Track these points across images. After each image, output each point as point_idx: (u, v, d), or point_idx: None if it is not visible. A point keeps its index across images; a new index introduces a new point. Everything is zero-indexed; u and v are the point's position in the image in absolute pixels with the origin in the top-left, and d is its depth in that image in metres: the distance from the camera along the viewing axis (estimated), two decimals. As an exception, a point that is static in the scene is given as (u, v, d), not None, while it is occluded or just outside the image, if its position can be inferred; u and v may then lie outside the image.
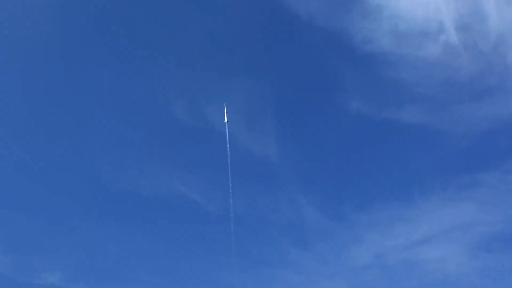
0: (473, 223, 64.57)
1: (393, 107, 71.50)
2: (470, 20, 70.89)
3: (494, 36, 69.91)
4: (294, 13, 72.33)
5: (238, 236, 61.52)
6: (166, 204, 66.79)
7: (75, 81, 70.28)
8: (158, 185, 67.23)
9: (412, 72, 71.41)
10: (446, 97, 71.20)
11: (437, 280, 60.96)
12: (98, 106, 70.32)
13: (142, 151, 69.31)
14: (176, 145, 70.35)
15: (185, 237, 65.01)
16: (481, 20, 70.57)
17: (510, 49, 69.32)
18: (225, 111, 61.40)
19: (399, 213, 66.09)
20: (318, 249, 64.06)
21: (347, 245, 64.20)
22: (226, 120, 61.74)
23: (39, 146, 68.11)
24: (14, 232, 61.50)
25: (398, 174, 70.11)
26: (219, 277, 60.64)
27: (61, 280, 58.87)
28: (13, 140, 67.27)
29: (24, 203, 64.25)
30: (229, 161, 63.84)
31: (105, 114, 70.19)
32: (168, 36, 73.55)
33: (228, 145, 64.34)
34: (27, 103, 69.47)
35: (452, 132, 70.07)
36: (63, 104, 70.16)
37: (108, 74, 71.15)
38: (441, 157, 69.95)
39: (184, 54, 73.04)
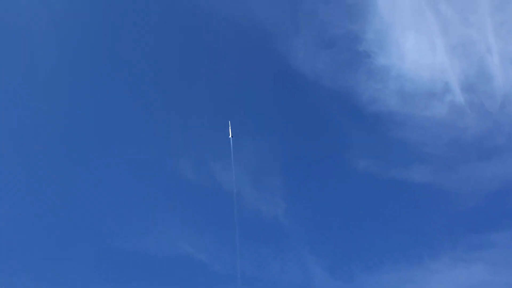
0: (484, 284, 63.20)
1: (401, 167, 71.15)
2: (475, 81, 71.75)
3: (500, 97, 70.46)
4: (300, 73, 73.57)
5: (245, 297, 60.69)
6: (172, 264, 66.15)
7: (80, 140, 71.15)
8: (164, 244, 66.73)
9: (419, 131, 71.88)
10: (454, 157, 71.05)
11: None
12: (103, 164, 70.61)
13: (147, 210, 68.90)
14: (182, 204, 69.87)
15: (191, 297, 64.05)
16: (487, 81, 71.26)
17: (516, 109, 69.64)
18: (230, 127, 63.17)
19: (409, 274, 64.89)
20: (327, 312, 62.80)
21: (357, 308, 62.91)
22: (230, 135, 63.11)
23: (42, 205, 68.02)
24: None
25: (406, 234, 69.05)
26: None
27: None
28: (16, 199, 67.44)
29: (27, 265, 63.80)
30: (236, 220, 63.86)
31: (110, 172, 70.41)
32: (174, 93, 74.64)
33: (235, 204, 64.54)
34: (33, 161, 70.02)
35: (460, 191, 69.38)
36: (68, 162, 70.46)
37: (113, 131, 72.09)
38: (450, 217, 69.19)
39: (191, 112, 73.87)
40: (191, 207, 69.65)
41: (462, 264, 65.17)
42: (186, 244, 66.40)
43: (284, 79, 74.53)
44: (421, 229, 69.00)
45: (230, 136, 64.20)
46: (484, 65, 71.59)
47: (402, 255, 66.53)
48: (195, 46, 74.63)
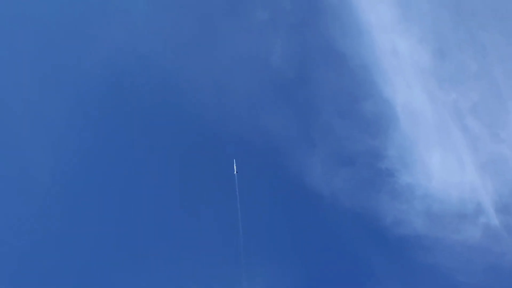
0: None
1: (431, 297, 64.37)
2: (511, 201, 66.10)
3: (539, 218, 64.65)
4: (317, 192, 68.95)
5: None
6: None
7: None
8: None
9: (450, 257, 65.95)
10: (491, 285, 64.59)
11: None
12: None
13: None
14: None
15: None
16: (524, 201, 65.78)
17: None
18: (235, 164, 63.08)
19: None
20: None
21: None
22: (235, 171, 62.87)
23: None
24: None
25: None
26: None
27: None
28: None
29: None
30: None
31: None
32: (181, 216, 68.99)
33: None
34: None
35: (500, 325, 62.17)
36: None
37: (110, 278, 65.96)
38: None
39: (200, 235, 67.93)
40: None
41: None
42: None
43: (299, 199, 69.75)
44: None
45: (235, 172, 63.52)
46: (519, 183, 66.43)
47: None
48: (205, 167, 70.37)
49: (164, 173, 69.10)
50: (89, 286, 65.18)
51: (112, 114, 71.27)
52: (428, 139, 69.43)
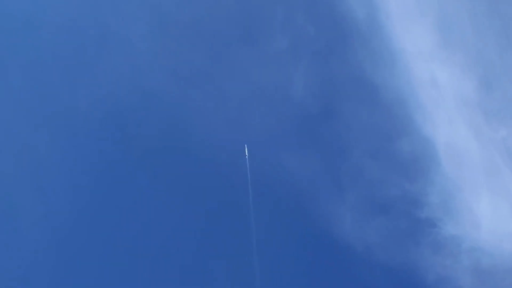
0: None
1: None
2: None
3: None
4: (347, 245, 61.70)
5: None
6: None
7: None
8: None
9: None
10: None
11: None
12: None
13: None
14: None
15: None
16: None
17: None
18: (246, 149, 60.62)
19: None
20: None
21: None
22: (246, 155, 60.36)
23: None
24: None
25: None
26: None
27: None
28: None
29: None
30: None
31: None
32: (194, 270, 60.74)
33: None
34: None
35: None
36: None
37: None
38: None
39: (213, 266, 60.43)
40: None
41: None
42: None
43: (327, 253, 62.27)
44: None
45: (246, 156, 60.69)
46: None
47: None
48: (218, 216, 62.89)
49: (172, 224, 62.07)
50: None
51: (114, 155, 64.69)
52: (475, 182, 62.51)
